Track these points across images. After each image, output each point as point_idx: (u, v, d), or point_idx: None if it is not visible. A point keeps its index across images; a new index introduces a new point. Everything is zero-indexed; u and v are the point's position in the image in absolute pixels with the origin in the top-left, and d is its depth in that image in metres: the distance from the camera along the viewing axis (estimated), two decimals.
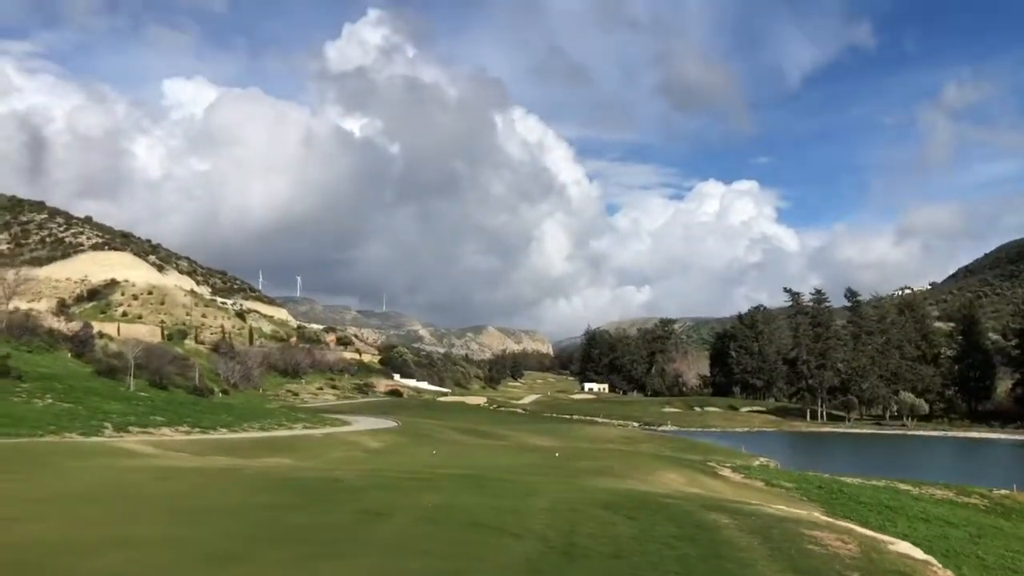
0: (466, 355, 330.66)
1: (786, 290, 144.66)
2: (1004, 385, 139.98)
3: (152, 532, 11.95)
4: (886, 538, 15.39)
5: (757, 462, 62.77)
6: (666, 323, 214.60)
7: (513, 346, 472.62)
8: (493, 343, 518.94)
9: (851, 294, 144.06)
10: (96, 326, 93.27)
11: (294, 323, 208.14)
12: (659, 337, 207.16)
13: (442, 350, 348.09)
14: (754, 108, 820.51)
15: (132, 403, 43.10)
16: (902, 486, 48.88)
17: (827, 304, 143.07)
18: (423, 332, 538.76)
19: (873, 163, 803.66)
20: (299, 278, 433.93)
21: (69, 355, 60.61)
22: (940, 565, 12.77)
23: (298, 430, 48.34)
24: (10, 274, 76.51)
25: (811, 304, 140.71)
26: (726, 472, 46.13)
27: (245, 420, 47.88)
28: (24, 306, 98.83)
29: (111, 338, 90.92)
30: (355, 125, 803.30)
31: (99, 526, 12.47)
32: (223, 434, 40.16)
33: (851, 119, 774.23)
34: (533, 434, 78.65)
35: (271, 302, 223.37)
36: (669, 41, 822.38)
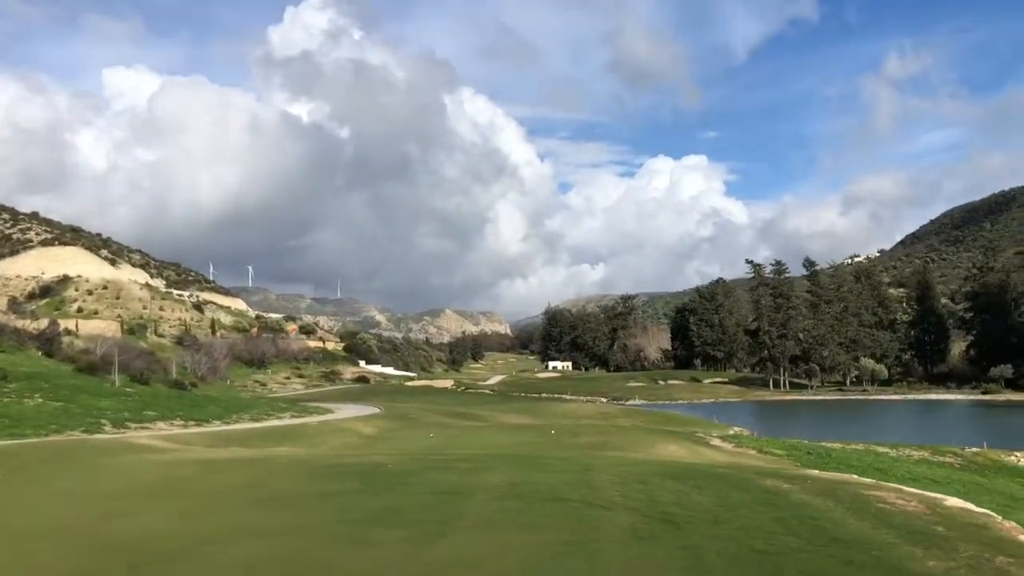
0: (426, 339, 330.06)
1: (748, 262, 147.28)
2: (957, 348, 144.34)
3: (260, 521, 12.08)
4: (932, 495, 16.05)
5: (732, 431, 63.88)
6: (627, 299, 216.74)
7: (471, 328, 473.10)
8: (451, 326, 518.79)
9: (809, 263, 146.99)
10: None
11: (252, 313, 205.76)
12: (620, 314, 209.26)
13: (399, 335, 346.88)
14: (702, 83, 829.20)
15: (121, 399, 42.53)
16: (880, 448, 50.44)
17: (787, 275, 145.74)
18: (380, 318, 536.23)
19: (819, 135, 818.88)
20: (251, 268, 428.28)
21: (40, 353, 59.35)
22: (1000, 517, 13.39)
23: (287, 419, 48.14)
24: None
25: (772, 275, 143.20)
26: (717, 442, 47.09)
27: (233, 412, 47.52)
28: None
29: (76, 335, 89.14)
30: (303, 110, 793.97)
31: (201, 517, 12.56)
32: (218, 426, 39.88)
33: (796, 92, 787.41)
34: (510, 413, 79.20)
35: (227, 293, 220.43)
36: (618, 18, 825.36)
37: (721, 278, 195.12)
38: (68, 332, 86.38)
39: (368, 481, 16.53)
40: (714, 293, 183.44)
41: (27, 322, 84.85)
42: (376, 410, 61.87)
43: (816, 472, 20.14)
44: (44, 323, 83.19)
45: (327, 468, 18.95)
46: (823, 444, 49.92)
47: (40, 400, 37.50)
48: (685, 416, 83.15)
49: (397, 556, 9.86)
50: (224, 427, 39.52)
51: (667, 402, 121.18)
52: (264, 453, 25.45)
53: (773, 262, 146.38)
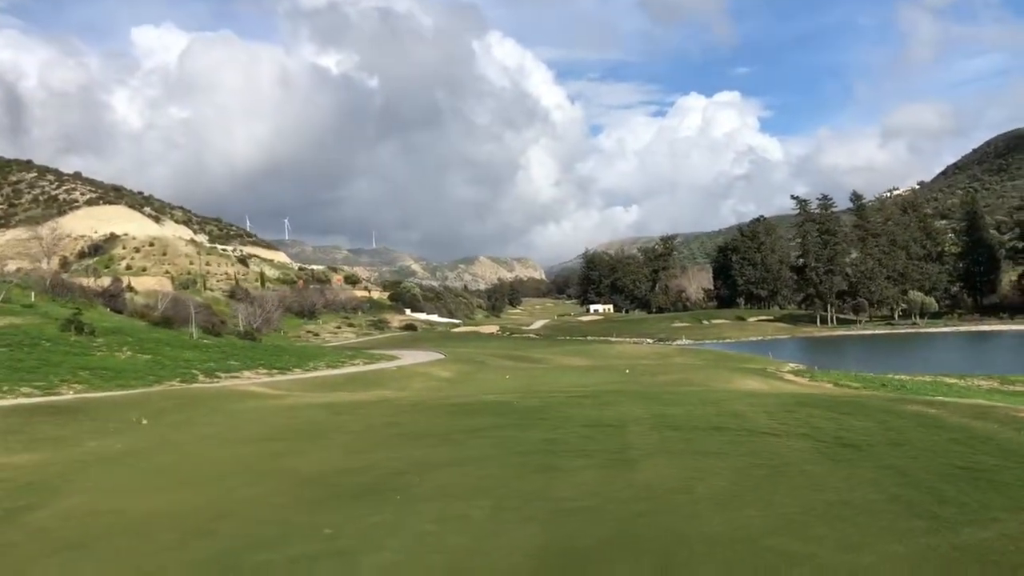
0: (464, 286, 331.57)
1: (793, 197, 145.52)
2: (1008, 278, 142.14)
3: (432, 455, 12.61)
4: None
5: (788, 367, 63.78)
6: (667, 240, 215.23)
7: (506, 275, 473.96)
8: (486, 273, 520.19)
9: (856, 197, 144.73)
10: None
11: (295, 265, 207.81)
12: (661, 255, 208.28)
13: (436, 283, 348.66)
14: (733, 15, 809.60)
15: (202, 350, 43.50)
16: (948, 379, 50.24)
17: (833, 210, 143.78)
18: (415, 266, 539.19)
19: (855, 65, 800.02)
20: (287, 221, 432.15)
21: (108, 310, 60.57)
22: None
23: (360, 366, 48.97)
24: (45, 231, 74.98)
25: (818, 211, 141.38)
26: (790, 376, 47.28)
27: (307, 360, 48.43)
28: (27, 265, 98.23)
29: (135, 291, 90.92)
30: (331, 62, 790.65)
31: (369, 453, 13.12)
32: (300, 374, 40.73)
33: (831, 21, 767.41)
34: (566, 355, 79.66)
35: (268, 246, 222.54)
36: None
37: (762, 216, 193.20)
38: (130, 288, 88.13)
39: (506, 416, 16.97)
40: (756, 231, 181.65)
41: (91, 280, 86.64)
42: (439, 355, 62.62)
43: (941, 397, 20.26)
44: (107, 281, 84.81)
45: (452, 407, 19.45)
46: (893, 376, 49.84)
47: (130, 353, 38.48)
48: (738, 354, 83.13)
49: (596, 482, 10.21)
50: (306, 375, 40.37)
51: (714, 341, 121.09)
52: (374, 396, 26.09)
53: (819, 197, 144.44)
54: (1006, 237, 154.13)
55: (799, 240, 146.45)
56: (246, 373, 38.68)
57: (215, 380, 34.78)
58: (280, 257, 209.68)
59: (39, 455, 14.67)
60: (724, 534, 7.54)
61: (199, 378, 34.59)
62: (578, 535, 7.74)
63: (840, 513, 8.08)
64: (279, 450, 14.77)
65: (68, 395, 24.84)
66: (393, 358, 58.85)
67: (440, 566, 6.94)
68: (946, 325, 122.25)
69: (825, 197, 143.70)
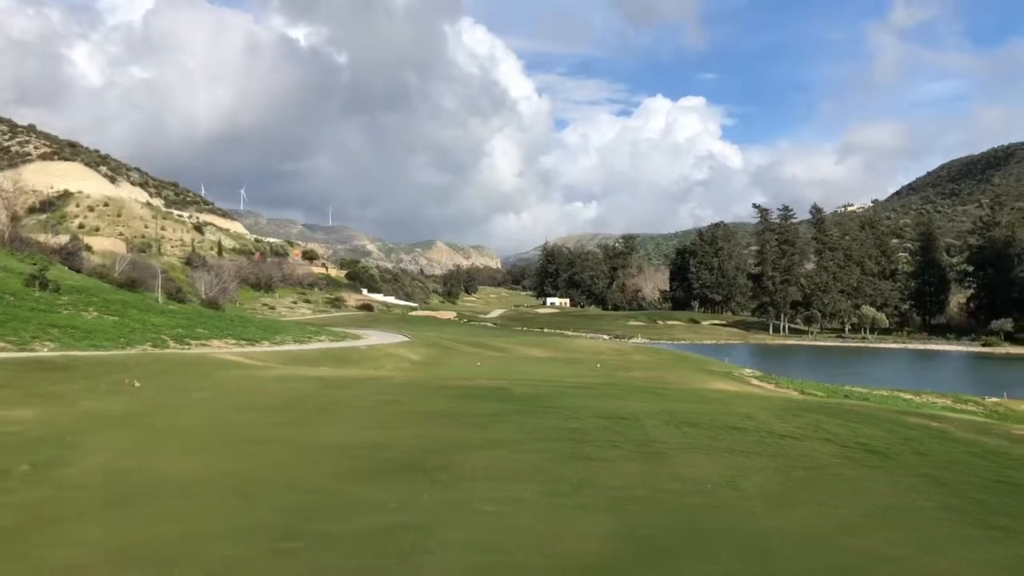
0: (420, 270, 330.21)
1: (755, 206, 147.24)
2: (955, 300, 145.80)
3: (460, 435, 12.47)
4: None
5: (747, 371, 64.59)
6: (628, 239, 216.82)
7: (462, 261, 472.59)
8: (442, 258, 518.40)
9: (816, 210, 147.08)
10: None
11: (251, 236, 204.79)
12: (621, 253, 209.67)
13: (391, 265, 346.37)
14: (706, 21, 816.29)
15: (169, 316, 42.64)
16: (904, 395, 51.38)
17: (793, 221, 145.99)
18: (371, 247, 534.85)
19: (819, 80, 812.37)
20: (243, 191, 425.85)
21: (66, 268, 59.07)
22: None
23: (327, 343, 48.52)
24: (8, 183, 72.48)
25: (778, 221, 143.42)
26: (755, 381, 47.96)
27: (275, 333, 47.86)
28: None
29: (92, 251, 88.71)
30: (300, 34, 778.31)
31: (390, 430, 12.96)
32: (269, 347, 40.19)
33: (800, 35, 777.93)
34: (527, 346, 79.68)
35: (224, 215, 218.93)
36: None
37: (722, 222, 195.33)
38: (87, 248, 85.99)
39: (510, 403, 16.90)
40: (715, 236, 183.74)
41: (48, 237, 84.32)
42: (403, 338, 62.30)
43: (939, 412, 20.68)
44: (64, 238, 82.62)
45: (447, 389, 19.33)
46: (851, 388, 50.77)
47: (96, 314, 37.61)
48: (695, 356, 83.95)
49: (640, 473, 10.21)
50: (278, 348, 39.86)
51: (669, 341, 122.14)
52: (359, 373, 25.83)
53: (780, 207, 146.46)
54: (954, 260, 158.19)
55: (757, 248, 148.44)
56: (215, 342, 38.04)
57: (186, 347, 34.18)
58: (236, 227, 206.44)
59: (39, 410, 14.24)
60: (792, 531, 7.57)
61: (169, 344, 33.94)
62: (644, 524, 7.71)
63: (898, 518, 8.17)
64: (286, 419, 14.54)
65: (44, 352, 24.16)
66: (357, 337, 58.44)
67: (524, 546, 6.84)
68: (895, 341, 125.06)
69: (786, 208, 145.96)
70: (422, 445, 11.77)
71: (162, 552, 6.67)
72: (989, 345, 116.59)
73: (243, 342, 39.93)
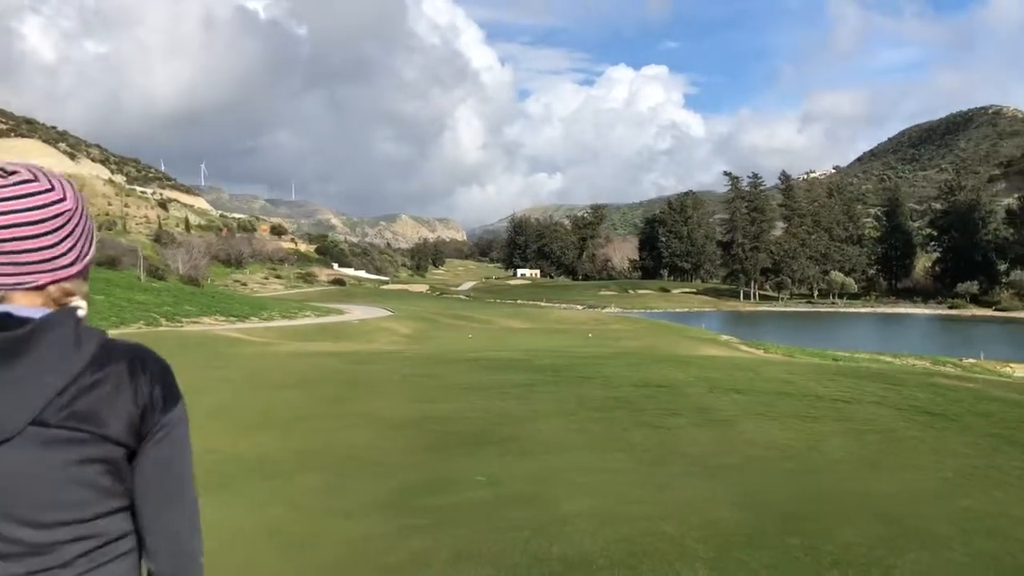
0: (387, 244, 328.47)
1: (725, 174, 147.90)
2: (920, 264, 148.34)
3: (503, 407, 12.35)
4: None
5: (729, 338, 65.21)
6: (597, 209, 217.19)
7: (428, 234, 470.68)
8: (407, 232, 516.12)
9: (784, 177, 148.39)
10: None
11: (215, 212, 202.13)
12: (590, 223, 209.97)
13: (355, 239, 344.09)
14: None
15: (154, 294, 41.98)
16: (884, 357, 52.24)
17: (763, 188, 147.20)
18: (335, 221, 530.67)
19: (780, 47, 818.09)
20: (203, 166, 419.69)
21: None
22: None
23: (313, 318, 48.14)
24: None
25: (748, 188, 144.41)
26: (744, 348, 48.41)
27: (261, 309, 47.31)
28: None
29: None
30: (259, 5, 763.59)
31: (442, 401, 12.81)
32: (261, 322, 39.76)
33: (761, 2, 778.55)
34: (507, 318, 79.75)
35: (188, 191, 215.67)
36: None
37: (691, 191, 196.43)
38: None
39: (541, 373, 16.82)
40: (684, 205, 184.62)
41: None
42: (387, 312, 61.92)
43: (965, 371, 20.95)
44: None
45: (474, 362, 19.19)
46: (832, 352, 51.47)
47: None
48: (672, 324, 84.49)
49: (717, 440, 10.17)
50: (270, 324, 39.43)
51: (642, 310, 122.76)
52: (368, 347, 25.59)
53: (750, 175, 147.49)
54: (916, 224, 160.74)
55: (727, 216, 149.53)
56: (205, 319, 37.52)
57: (178, 324, 33.64)
58: (200, 203, 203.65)
59: None
60: (903, 494, 7.55)
61: (162, 322, 33.39)
62: (757, 491, 7.64)
63: (1001, 479, 8.21)
64: (328, 395, 14.32)
65: None
66: (341, 312, 58.01)
67: (661, 516, 6.73)
68: (863, 306, 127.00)
69: (755, 175, 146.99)
70: (481, 416, 11.65)
71: (295, 534, 6.48)
72: (955, 307, 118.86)
73: (233, 318, 39.42)
